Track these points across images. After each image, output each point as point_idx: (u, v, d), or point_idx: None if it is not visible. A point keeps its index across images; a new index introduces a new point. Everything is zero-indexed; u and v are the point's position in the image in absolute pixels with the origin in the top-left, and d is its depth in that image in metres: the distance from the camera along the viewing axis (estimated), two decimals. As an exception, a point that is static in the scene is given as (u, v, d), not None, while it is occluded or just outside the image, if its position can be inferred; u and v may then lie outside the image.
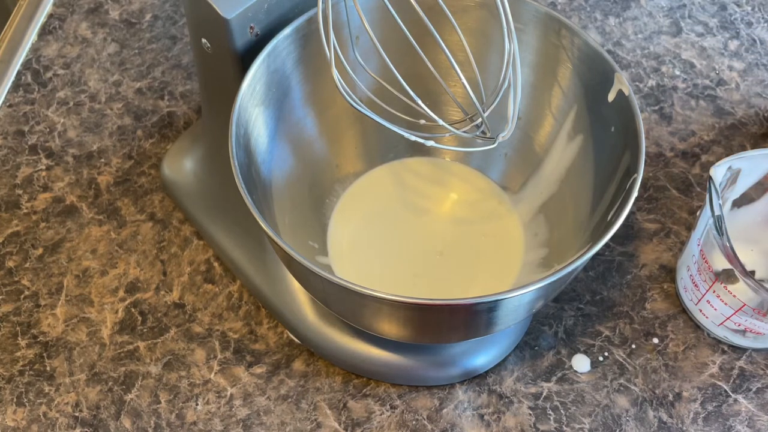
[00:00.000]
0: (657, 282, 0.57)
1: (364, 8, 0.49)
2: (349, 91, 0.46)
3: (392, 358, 0.52)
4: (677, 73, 0.68)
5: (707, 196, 0.49)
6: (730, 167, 0.50)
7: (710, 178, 0.48)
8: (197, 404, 0.52)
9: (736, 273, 0.47)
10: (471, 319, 0.45)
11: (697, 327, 0.55)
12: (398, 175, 0.59)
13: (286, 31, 0.49)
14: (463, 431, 0.51)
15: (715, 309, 0.52)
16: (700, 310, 0.53)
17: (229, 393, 0.52)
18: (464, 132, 0.49)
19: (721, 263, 0.49)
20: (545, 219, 0.55)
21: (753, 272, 0.54)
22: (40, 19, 0.72)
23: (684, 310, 0.55)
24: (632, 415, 0.51)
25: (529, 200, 0.56)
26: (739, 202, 0.54)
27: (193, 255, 0.58)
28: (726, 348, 0.54)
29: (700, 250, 0.51)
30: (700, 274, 0.51)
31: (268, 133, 0.51)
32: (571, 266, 0.42)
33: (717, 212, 0.47)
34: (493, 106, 0.48)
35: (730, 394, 0.52)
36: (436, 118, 0.46)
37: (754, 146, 0.63)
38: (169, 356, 0.53)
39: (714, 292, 0.51)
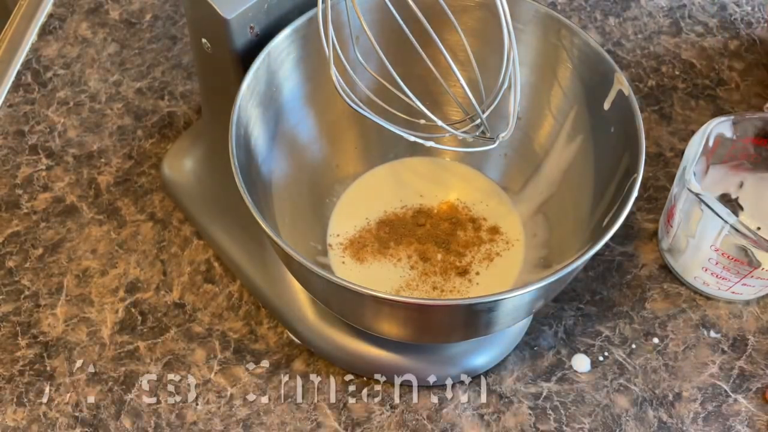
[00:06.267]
0: (657, 282, 0.57)
1: (364, 7, 0.49)
2: (348, 91, 0.46)
3: (392, 358, 0.52)
4: (677, 73, 0.68)
5: (701, 208, 0.50)
6: (694, 173, 0.51)
7: (697, 195, 0.49)
8: (197, 404, 0.52)
9: None
10: (471, 319, 0.45)
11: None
12: (398, 175, 0.59)
13: (286, 31, 0.49)
14: (463, 431, 0.51)
15: (753, 286, 0.53)
16: (733, 292, 0.54)
17: (229, 393, 0.52)
18: (464, 132, 0.49)
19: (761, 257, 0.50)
20: (545, 219, 0.55)
21: (759, 228, 0.56)
22: (40, 19, 0.72)
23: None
24: (632, 415, 0.51)
25: (529, 200, 0.56)
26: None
27: (193, 255, 0.58)
28: (726, 348, 0.54)
29: (722, 254, 0.51)
30: (728, 270, 0.52)
31: (268, 133, 0.51)
32: (571, 266, 0.42)
33: (731, 220, 0.48)
34: (492, 107, 0.48)
35: (730, 394, 0.52)
36: (435, 119, 0.46)
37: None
38: (169, 356, 0.53)
39: (753, 276, 0.51)
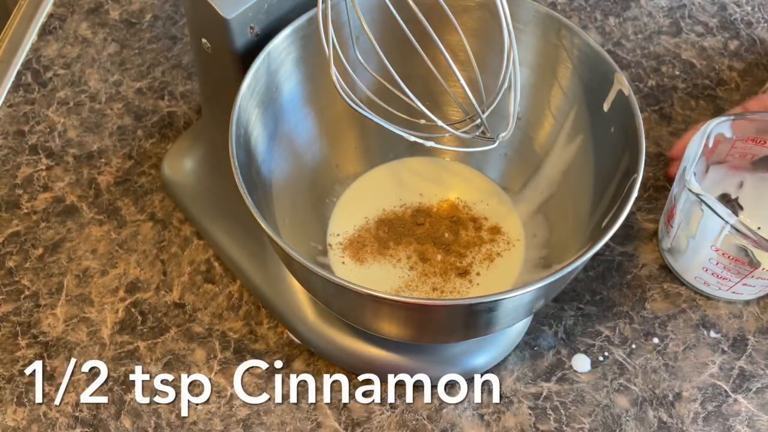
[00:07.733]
0: (657, 282, 0.57)
1: (364, 7, 0.49)
2: (348, 91, 0.46)
3: (392, 358, 0.52)
4: (677, 73, 0.68)
5: (701, 208, 0.49)
6: (694, 173, 0.51)
7: (698, 195, 0.49)
8: (197, 404, 0.52)
9: None
10: (471, 319, 0.45)
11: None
12: (398, 175, 0.59)
13: (286, 31, 0.49)
14: (463, 431, 0.51)
15: (753, 286, 0.53)
16: (733, 292, 0.54)
17: (229, 393, 0.52)
18: (464, 132, 0.49)
19: (761, 256, 0.50)
20: (545, 219, 0.55)
21: (759, 228, 0.55)
22: (41, 19, 0.72)
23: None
24: (632, 415, 0.51)
25: (529, 200, 0.56)
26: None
27: (193, 255, 0.58)
28: (726, 348, 0.54)
29: (722, 254, 0.51)
30: (729, 270, 0.52)
31: (268, 133, 0.51)
32: (571, 266, 0.42)
33: (732, 221, 0.48)
34: (492, 107, 0.48)
35: (730, 394, 0.52)
36: (435, 119, 0.46)
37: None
38: (169, 356, 0.53)
39: (753, 276, 0.51)
